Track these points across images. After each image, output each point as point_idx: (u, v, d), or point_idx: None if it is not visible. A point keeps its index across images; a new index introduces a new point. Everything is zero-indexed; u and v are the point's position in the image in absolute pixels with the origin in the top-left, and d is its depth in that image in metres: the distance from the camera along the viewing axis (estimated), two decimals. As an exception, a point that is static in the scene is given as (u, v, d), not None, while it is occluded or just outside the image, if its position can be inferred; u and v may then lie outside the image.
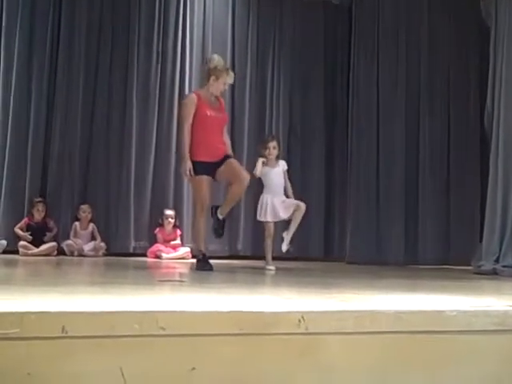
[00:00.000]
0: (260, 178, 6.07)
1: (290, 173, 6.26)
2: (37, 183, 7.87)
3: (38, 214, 7.63)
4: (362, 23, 8.33)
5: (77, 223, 7.78)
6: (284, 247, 5.97)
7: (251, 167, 7.96)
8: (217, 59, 5.58)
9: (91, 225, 7.82)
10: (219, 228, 5.58)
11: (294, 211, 5.94)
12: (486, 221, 6.36)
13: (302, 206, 5.95)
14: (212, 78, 5.47)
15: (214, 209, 5.57)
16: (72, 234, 7.72)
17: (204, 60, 5.87)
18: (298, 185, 8.25)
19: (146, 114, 8.24)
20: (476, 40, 8.05)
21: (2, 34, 7.90)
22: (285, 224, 6.18)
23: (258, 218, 6.04)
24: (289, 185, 6.08)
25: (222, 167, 5.44)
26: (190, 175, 5.39)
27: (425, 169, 8.04)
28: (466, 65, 8.14)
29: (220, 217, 5.53)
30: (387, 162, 8.06)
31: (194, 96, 5.58)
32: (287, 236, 5.98)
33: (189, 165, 5.35)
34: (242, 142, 8.40)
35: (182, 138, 5.55)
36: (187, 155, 5.37)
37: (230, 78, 5.59)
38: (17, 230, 7.56)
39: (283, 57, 8.76)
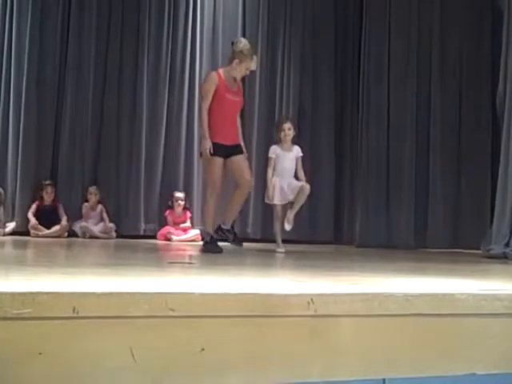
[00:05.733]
0: (269, 159, 5.98)
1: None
2: (48, 166, 7.92)
3: (48, 197, 7.69)
4: (372, 4, 8.25)
5: (86, 204, 7.83)
6: (287, 226, 5.85)
7: (261, 149, 8.01)
8: (243, 43, 5.52)
9: (99, 206, 7.86)
10: (235, 238, 5.52)
11: (298, 192, 5.83)
12: (496, 204, 6.34)
13: (306, 187, 5.82)
14: (236, 61, 5.42)
15: (218, 227, 5.52)
16: (81, 215, 7.78)
17: (231, 41, 5.81)
18: (307, 168, 8.20)
19: (156, 97, 8.24)
20: (489, 22, 7.96)
21: (13, 19, 7.91)
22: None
23: (266, 200, 6.01)
24: (302, 173, 5.96)
25: (232, 160, 5.44)
26: (210, 154, 5.36)
27: (435, 152, 8.00)
28: (478, 48, 8.05)
29: (226, 227, 5.49)
30: (397, 146, 8.03)
31: (215, 74, 5.53)
32: (290, 215, 5.86)
33: (209, 143, 5.31)
34: (252, 124, 8.39)
35: (201, 117, 5.50)
36: (207, 134, 5.33)
37: (253, 64, 5.52)
38: (30, 216, 7.60)
39: (294, 38, 8.71)
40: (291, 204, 5.95)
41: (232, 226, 5.58)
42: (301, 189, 5.83)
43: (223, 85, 5.41)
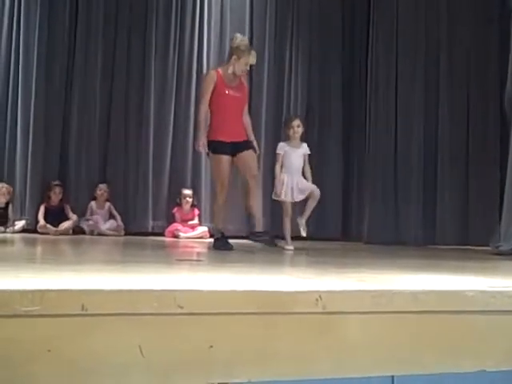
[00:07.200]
0: (277, 155, 5.99)
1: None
2: (56, 164, 7.95)
3: (55, 197, 7.73)
4: (380, 2, 8.23)
5: (93, 202, 7.85)
6: (303, 233, 5.91)
7: (269, 147, 8.01)
8: (240, 38, 5.52)
9: (107, 204, 7.88)
10: (269, 239, 5.49)
11: (308, 198, 5.90)
12: (505, 201, 6.31)
13: (317, 192, 5.89)
14: (234, 57, 5.42)
15: (251, 233, 5.59)
16: (88, 213, 7.80)
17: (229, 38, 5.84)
18: (315, 164, 8.20)
19: (163, 94, 8.25)
20: (497, 22, 7.92)
21: (21, 17, 7.91)
22: (301, 206, 6.14)
23: (274, 196, 6.02)
24: (309, 170, 5.99)
25: (238, 156, 5.42)
26: (207, 153, 5.40)
27: (443, 148, 7.98)
28: (487, 47, 8.00)
29: (259, 229, 5.47)
30: (406, 142, 8.01)
31: (213, 73, 5.54)
32: (301, 221, 5.93)
33: (203, 140, 5.34)
34: (260, 121, 8.38)
35: (198, 114, 5.59)
36: (201, 131, 5.37)
37: (252, 59, 5.51)
38: (40, 218, 7.62)
39: (301, 35, 8.72)
40: (302, 207, 5.98)
41: (265, 230, 5.58)
42: (311, 194, 5.89)
43: (222, 82, 5.41)
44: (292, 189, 5.87)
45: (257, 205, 5.53)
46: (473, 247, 7.28)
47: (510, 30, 6.48)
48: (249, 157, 5.47)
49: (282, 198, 5.88)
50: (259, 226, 5.48)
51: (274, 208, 7.84)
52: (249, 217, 5.80)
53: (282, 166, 5.94)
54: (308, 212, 5.96)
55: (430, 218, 7.90)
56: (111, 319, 1.87)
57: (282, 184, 5.87)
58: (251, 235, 5.56)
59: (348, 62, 8.89)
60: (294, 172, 5.92)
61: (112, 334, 1.87)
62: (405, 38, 8.09)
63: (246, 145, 5.50)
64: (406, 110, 8.05)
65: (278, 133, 8.23)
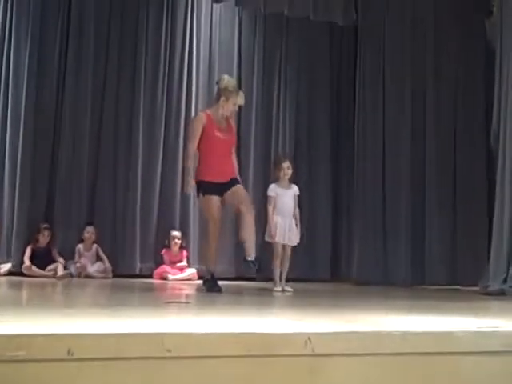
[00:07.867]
0: (269, 197, 5.99)
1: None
2: (43, 206, 7.89)
3: (44, 239, 7.64)
4: (367, 42, 8.36)
5: (80, 245, 7.78)
6: (289, 289, 5.81)
7: (257, 185, 8.03)
8: (227, 79, 5.55)
9: (95, 246, 7.82)
10: (259, 270, 5.41)
11: (284, 256, 5.89)
12: (493, 241, 6.33)
13: (289, 252, 5.91)
14: (222, 98, 5.43)
15: (244, 260, 5.41)
16: (76, 256, 7.73)
17: (215, 80, 5.85)
18: (304, 204, 8.24)
19: (152, 135, 8.26)
20: (482, 58, 8.08)
21: (11, 51, 7.94)
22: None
23: (267, 238, 5.98)
24: (297, 211, 6.00)
25: (229, 192, 5.40)
26: (197, 195, 5.41)
27: (431, 190, 8.03)
28: (473, 85, 8.14)
29: (251, 258, 5.29)
30: (394, 182, 8.06)
31: (202, 115, 5.55)
32: (283, 280, 5.88)
33: (191, 183, 5.37)
34: (248, 160, 8.40)
35: (185, 157, 5.61)
36: (190, 174, 5.37)
37: (240, 99, 5.53)
38: (27, 260, 7.53)
39: (289, 75, 8.79)
40: (282, 262, 5.94)
41: (256, 258, 5.37)
42: (285, 254, 5.91)
43: (211, 124, 5.41)
44: (285, 231, 5.86)
45: (249, 231, 5.35)
46: (461, 287, 7.28)
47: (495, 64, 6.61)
48: (239, 189, 5.47)
49: (276, 240, 5.85)
50: (250, 253, 5.30)
51: (263, 249, 7.84)
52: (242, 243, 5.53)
53: (274, 208, 5.92)
54: (285, 271, 5.93)
55: (418, 258, 7.91)
56: (98, 364, 1.85)
57: (276, 226, 5.85)
58: (244, 260, 5.40)
59: (335, 100, 8.96)
60: (287, 214, 5.91)
61: (98, 379, 1.85)
62: (392, 79, 8.20)
63: (232, 182, 5.48)
64: (393, 148, 8.11)
65: (267, 171, 8.25)
